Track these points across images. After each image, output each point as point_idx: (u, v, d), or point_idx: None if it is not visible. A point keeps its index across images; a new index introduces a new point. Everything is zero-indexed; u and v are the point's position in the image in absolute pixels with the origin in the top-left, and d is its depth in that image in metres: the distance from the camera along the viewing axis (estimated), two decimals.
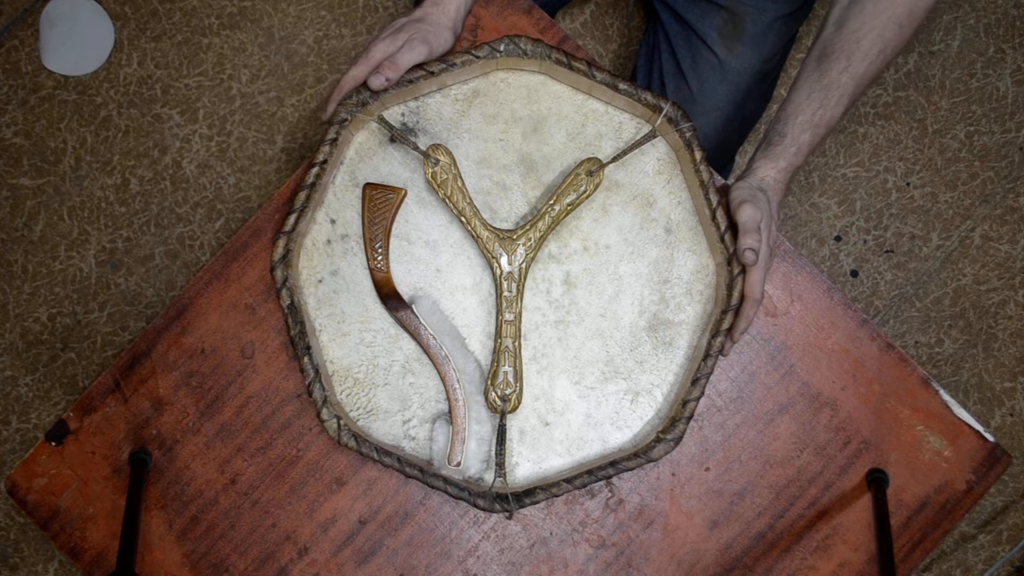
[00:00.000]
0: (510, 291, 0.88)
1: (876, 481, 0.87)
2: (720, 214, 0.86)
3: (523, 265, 0.88)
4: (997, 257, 1.47)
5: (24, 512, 0.89)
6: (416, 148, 0.89)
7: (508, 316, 0.88)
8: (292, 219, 0.87)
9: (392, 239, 0.90)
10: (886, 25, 0.81)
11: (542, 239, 0.88)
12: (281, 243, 0.87)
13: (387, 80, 0.83)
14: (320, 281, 0.90)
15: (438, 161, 0.89)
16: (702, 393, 0.85)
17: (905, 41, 0.82)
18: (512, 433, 0.88)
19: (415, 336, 0.88)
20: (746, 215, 0.83)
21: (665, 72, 1.09)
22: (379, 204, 0.88)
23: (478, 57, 0.89)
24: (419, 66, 0.88)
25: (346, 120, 0.88)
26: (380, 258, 0.88)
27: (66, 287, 1.46)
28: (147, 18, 1.49)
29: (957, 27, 1.49)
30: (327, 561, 0.89)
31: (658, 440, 0.85)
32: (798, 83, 0.86)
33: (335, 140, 0.88)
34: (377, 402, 0.89)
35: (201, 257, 1.47)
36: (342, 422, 0.85)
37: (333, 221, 0.90)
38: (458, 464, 0.86)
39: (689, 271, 0.89)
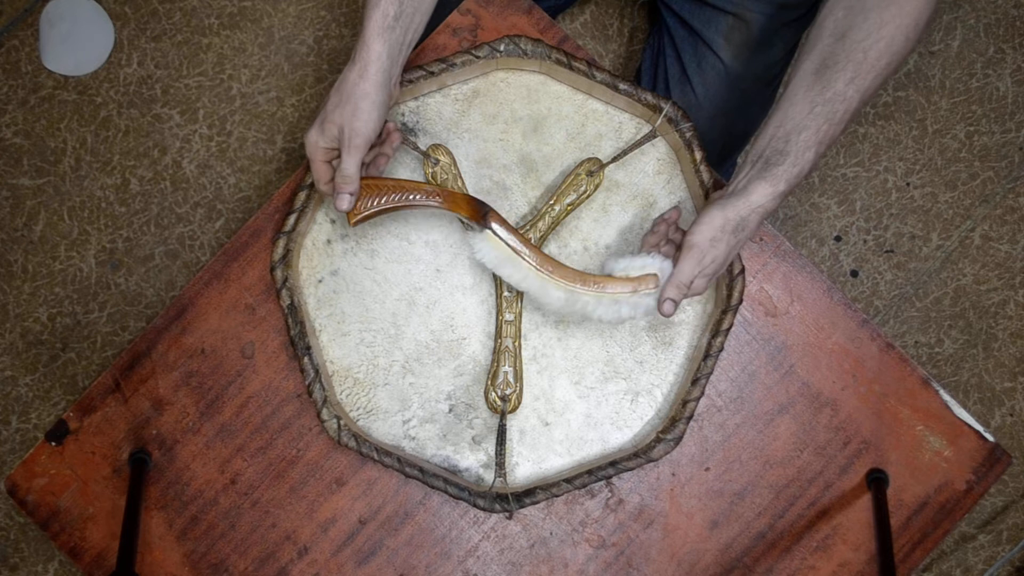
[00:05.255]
0: (510, 291, 0.88)
1: (876, 481, 0.87)
2: None
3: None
4: (997, 257, 1.47)
5: (24, 512, 0.89)
6: (416, 148, 0.89)
7: (508, 316, 0.88)
8: (292, 219, 0.87)
9: (392, 239, 0.90)
10: (894, 36, 0.76)
11: (542, 239, 0.88)
12: (281, 243, 0.87)
13: (351, 196, 0.80)
14: (320, 281, 0.90)
15: (438, 161, 0.89)
16: (702, 393, 0.85)
17: (908, 53, 0.78)
18: (512, 433, 0.88)
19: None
20: (687, 263, 0.77)
21: (670, 76, 1.09)
22: None
23: (478, 57, 0.88)
24: (419, 66, 0.88)
25: None
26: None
27: (66, 287, 1.46)
28: (147, 18, 1.49)
29: (957, 27, 1.49)
30: (327, 561, 0.89)
31: (658, 440, 0.85)
32: (794, 97, 0.78)
33: None
34: (377, 402, 0.89)
35: (201, 257, 1.47)
36: (342, 422, 0.85)
37: (333, 221, 0.90)
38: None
39: None
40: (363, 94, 0.78)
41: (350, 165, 0.79)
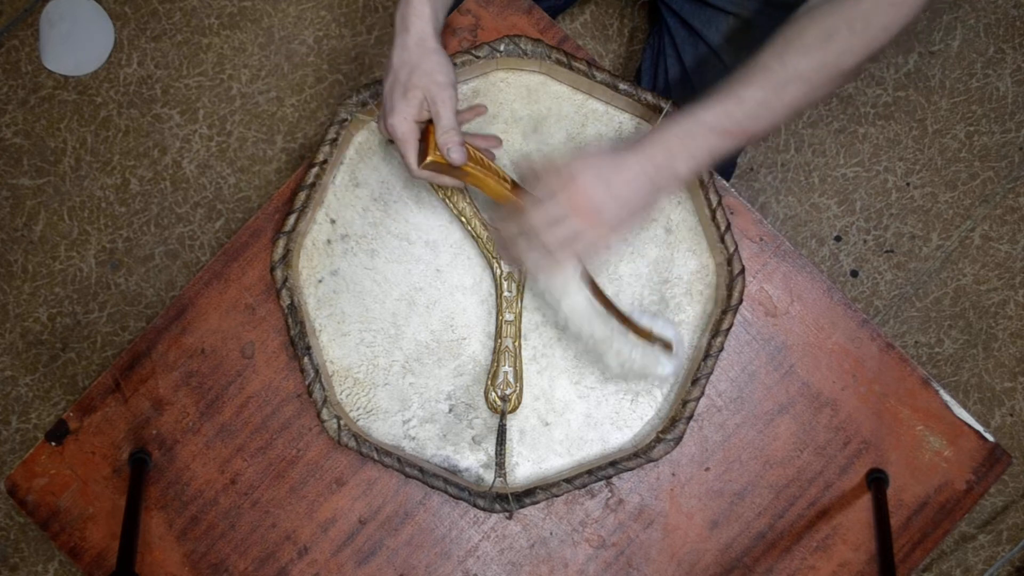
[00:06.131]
0: (510, 291, 0.88)
1: (876, 481, 0.87)
2: (720, 214, 0.86)
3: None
4: (997, 257, 1.47)
5: (24, 512, 0.89)
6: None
7: (508, 316, 0.88)
8: (292, 219, 0.87)
9: (392, 239, 0.90)
10: (836, 25, 0.73)
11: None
12: (281, 243, 0.87)
13: (461, 146, 0.77)
14: (320, 281, 0.90)
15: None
16: (702, 393, 0.85)
17: (860, 48, 0.74)
18: (512, 433, 0.88)
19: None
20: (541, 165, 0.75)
21: (670, 76, 1.09)
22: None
23: (478, 57, 0.88)
24: None
25: (346, 120, 0.88)
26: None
27: (66, 287, 1.46)
28: (147, 18, 1.49)
29: (957, 27, 1.49)
30: (327, 561, 0.89)
31: (658, 440, 0.85)
32: None
33: (335, 140, 0.88)
34: (377, 402, 0.89)
35: (201, 257, 1.47)
36: (342, 422, 0.85)
37: (333, 221, 0.90)
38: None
39: (689, 271, 0.89)
40: (432, 50, 0.77)
41: (449, 118, 0.76)
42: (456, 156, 0.76)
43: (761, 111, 0.74)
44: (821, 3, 0.75)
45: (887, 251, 1.48)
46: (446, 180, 0.80)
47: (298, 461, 0.89)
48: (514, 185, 0.80)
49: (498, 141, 0.83)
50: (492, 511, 0.85)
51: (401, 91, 0.77)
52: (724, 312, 0.86)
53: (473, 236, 0.88)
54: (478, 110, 0.88)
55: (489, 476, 0.88)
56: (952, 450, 0.89)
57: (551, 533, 0.89)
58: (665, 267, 0.90)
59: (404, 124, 0.77)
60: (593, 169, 0.74)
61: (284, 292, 0.87)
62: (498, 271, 0.88)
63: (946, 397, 0.89)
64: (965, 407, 0.90)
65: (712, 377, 0.88)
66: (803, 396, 0.89)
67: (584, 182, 0.74)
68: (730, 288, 0.86)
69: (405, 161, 0.78)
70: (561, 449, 0.88)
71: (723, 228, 0.86)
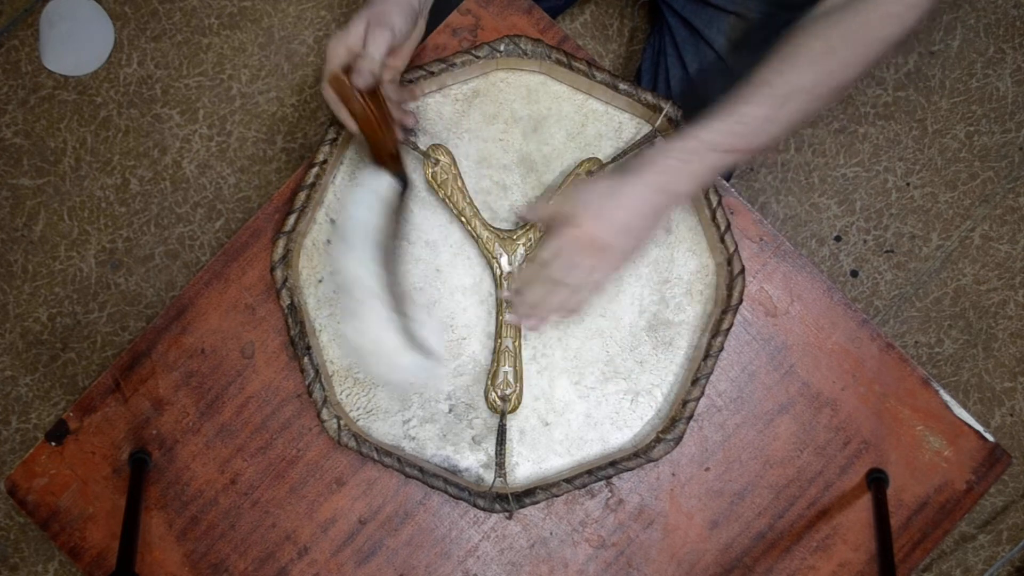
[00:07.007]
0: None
1: (876, 481, 0.87)
2: (720, 214, 0.86)
3: (523, 265, 0.88)
4: (997, 257, 1.47)
5: (24, 512, 0.89)
6: (416, 148, 0.89)
7: (508, 316, 0.88)
8: (292, 219, 0.87)
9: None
10: (835, 39, 0.73)
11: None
12: (281, 243, 0.87)
13: (370, 73, 0.76)
14: (320, 281, 0.90)
15: (438, 161, 0.89)
16: (702, 393, 0.85)
17: (859, 61, 0.73)
18: (512, 433, 0.88)
19: None
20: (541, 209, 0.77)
21: (671, 76, 1.09)
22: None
23: (478, 57, 0.88)
24: (419, 66, 0.88)
25: None
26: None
27: (66, 287, 1.46)
28: (147, 18, 1.49)
29: (957, 27, 1.49)
30: (327, 561, 0.89)
31: (658, 440, 0.85)
32: None
33: (335, 140, 0.88)
34: (377, 402, 0.89)
35: (201, 257, 1.47)
36: (342, 422, 0.85)
37: (333, 221, 0.90)
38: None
39: (689, 271, 0.89)
40: (406, 2, 0.78)
41: (374, 50, 0.76)
42: (357, 79, 0.75)
43: (763, 126, 0.74)
44: (819, 16, 0.75)
45: (887, 251, 1.48)
46: (342, 113, 0.79)
47: (298, 461, 0.89)
48: (398, 156, 0.81)
49: (414, 96, 0.84)
50: (492, 511, 0.85)
51: (357, 19, 0.77)
52: (724, 312, 0.86)
53: (473, 236, 0.88)
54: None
55: (489, 476, 0.88)
56: (952, 450, 0.89)
57: (551, 533, 0.89)
58: (665, 267, 0.90)
59: (339, 47, 0.76)
60: (593, 205, 0.75)
61: (284, 292, 0.87)
62: (498, 271, 0.88)
63: (946, 397, 0.89)
64: (965, 407, 0.90)
65: (712, 377, 0.88)
66: (803, 396, 0.89)
67: (586, 222, 0.75)
68: (730, 288, 0.86)
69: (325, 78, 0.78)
70: (561, 449, 0.88)
71: (723, 228, 0.86)
